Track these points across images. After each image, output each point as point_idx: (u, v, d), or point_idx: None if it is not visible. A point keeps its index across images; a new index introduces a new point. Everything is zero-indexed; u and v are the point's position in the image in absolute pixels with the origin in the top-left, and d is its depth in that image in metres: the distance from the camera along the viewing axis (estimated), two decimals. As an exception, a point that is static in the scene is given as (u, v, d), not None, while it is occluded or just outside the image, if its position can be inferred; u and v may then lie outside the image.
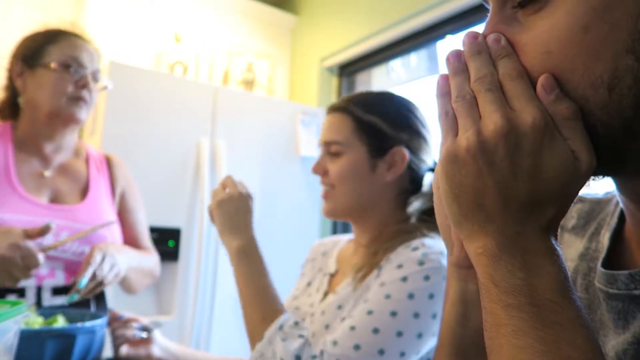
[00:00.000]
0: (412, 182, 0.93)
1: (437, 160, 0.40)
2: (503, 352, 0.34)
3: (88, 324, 0.79)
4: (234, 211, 0.91)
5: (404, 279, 0.76)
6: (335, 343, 0.72)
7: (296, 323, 0.76)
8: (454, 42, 2.12)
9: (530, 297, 0.34)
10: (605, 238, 0.46)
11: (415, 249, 0.81)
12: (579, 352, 0.31)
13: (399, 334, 0.73)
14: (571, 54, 0.35)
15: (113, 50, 2.25)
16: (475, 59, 0.38)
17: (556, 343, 0.32)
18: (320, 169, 0.95)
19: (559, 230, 0.52)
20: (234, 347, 2.02)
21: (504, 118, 0.35)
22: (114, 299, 1.86)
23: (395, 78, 2.51)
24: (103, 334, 0.82)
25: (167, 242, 1.97)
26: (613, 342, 0.41)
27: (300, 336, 0.73)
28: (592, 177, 0.39)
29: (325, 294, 0.94)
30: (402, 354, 0.72)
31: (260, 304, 0.80)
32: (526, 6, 0.37)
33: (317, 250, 1.10)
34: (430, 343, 0.77)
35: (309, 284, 1.01)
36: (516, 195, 0.36)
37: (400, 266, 0.79)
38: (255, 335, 0.78)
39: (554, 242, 0.36)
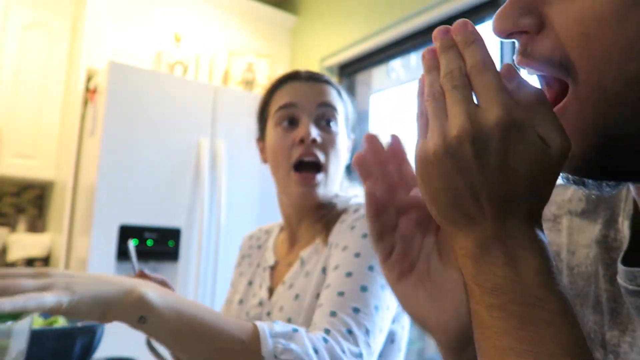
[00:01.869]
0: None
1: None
2: (488, 355, 0.33)
3: (88, 324, 0.78)
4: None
5: (364, 235, 0.78)
6: (333, 314, 0.68)
7: (275, 322, 0.66)
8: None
9: (512, 295, 0.33)
10: (625, 227, 0.45)
11: (356, 210, 0.84)
12: (563, 349, 0.31)
13: (382, 287, 0.74)
14: (607, 41, 0.32)
15: (113, 50, 2.25)
16: (445, 54, 0.37)
17: (540, 342, 0.31)
18: (320, 137, 0.88)
19: (568, 216, 0.51)
20: (234, 347, 2.02)
21: (467, 121, 0.34)
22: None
23: (395, 78, 2.51)
24: (102, 333, 0.82)
25: (167, 242, 1.97)
26: None
27: (294, 330, 0.64)
28: (605, 181, 0.38)
29: (270, 290, 0.90)
30: (383, 287, 0.75)
31: (228, 329, 0.61)
32: None
33: (250, 245, 1.06)
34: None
35: (250, 284, 0.96)
36: (489, 194, 0.35)
37: (353, 227, 0.81)
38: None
39: (537, 232, 0.35)
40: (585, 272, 0.47)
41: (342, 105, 0.92)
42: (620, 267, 0.42)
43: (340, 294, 0.70)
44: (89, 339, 0.78)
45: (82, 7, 2.31)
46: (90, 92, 2.12)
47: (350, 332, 0.66)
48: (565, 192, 0.53)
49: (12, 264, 2.33)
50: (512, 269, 0.33)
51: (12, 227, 2.53)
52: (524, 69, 0.39)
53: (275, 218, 1.09)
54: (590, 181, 0.39)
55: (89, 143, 2.07)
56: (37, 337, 0.70)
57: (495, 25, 0.38)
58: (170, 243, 1.97)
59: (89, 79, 2.22)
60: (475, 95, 0.35)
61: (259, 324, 0.63)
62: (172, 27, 2.43)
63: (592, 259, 0.47)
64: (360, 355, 0.65)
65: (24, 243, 2.36)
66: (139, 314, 0.57)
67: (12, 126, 2.34)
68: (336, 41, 2.52)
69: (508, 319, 0.32)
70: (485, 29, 2.08)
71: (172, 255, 1.97)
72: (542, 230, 0.36)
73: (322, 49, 2.61)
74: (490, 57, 0.36)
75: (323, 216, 0.89)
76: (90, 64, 2.21)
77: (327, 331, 0.66)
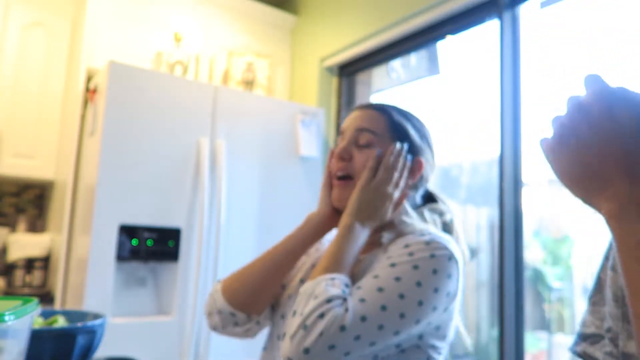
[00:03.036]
0: (417, 190, 0.98)
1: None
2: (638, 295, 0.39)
3: (88, 324, 0.78)
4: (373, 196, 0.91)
5: (411, 254, 0.82)
6: (362, 300, 0.77)
7: (347, 285, 0.80)
8: (453, 42, 2.12)
9: None
10: None
11: (422, 234, 0.86)
12: None
13: (401, 296, 0.78)
14: None
15: (113, 50, 2.25)
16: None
17: None
18: (348, 155, 0.95)
19: None
20: (234, 348, 2.02)
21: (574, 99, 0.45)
22: (114, 299, 1.86)
23: (395, 78, 2.51)
24: (103, 333, 0.82)
25: (167, 242, 1.97)
26: None
27: (343, 291, 0.77)
28: None
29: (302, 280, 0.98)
30: (402, 315, 0.77)
31: (334, 262, 0.84)
32: None
33: (329, 239, 1.09)
34: (429, 315, 0.80)
35: (313, 266, 1.02)
36: (622, 158, 0.42)
37: (407, 245, 0.84)
38: (314, 274, 0.83)
39: None
40: None
41: (391, 127, 0.95)
42: None
43: (362, 300, 0.78)
44: (89, 339, 0.78)
45: (82, 7, 2.31)
46: (90, 92, 2.12)
47: (364, 319, 0.74)
48: None
49: (12, 264, 2.33)
50: None
51: (12, 227, 2.53)
52: None
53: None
54: None
55: (89, 143, 2.07)
56: (37, 337, 0.70)
57: None
58: (170, 243, 1.97)
59: (89, 79, 2.22)
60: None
61: (343, 276, 0.81)
62: (172, 27, 2.43)
63: None
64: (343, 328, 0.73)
65: (24, 243, 2.36)
66: None
67: (12, 126, 2.34)
68: (336, 41, 2.52)
69: None
70: (485, 29, 2.05)
71: (172, 255, 1.97)
72: None
73: (322, 49, 2.61)
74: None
75: (383, 235, 0.93)
76: (90, 64, 2.21)
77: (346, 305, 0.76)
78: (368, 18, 2.33)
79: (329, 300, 0.75)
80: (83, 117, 2.20)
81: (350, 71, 2.55)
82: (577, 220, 3.09)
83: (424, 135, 0.98)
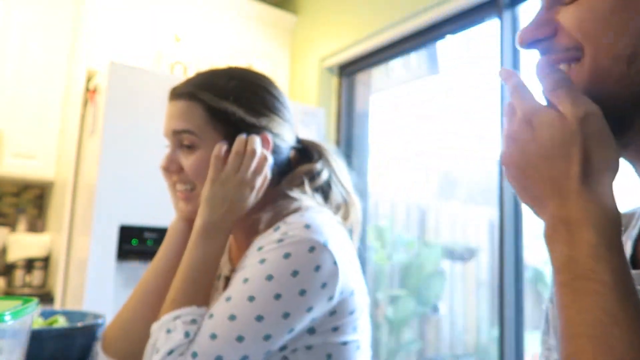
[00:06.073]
0: (277, 164, 0.84)
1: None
2: (560, 325, 0.38)
3: (88, 324, 0.78)
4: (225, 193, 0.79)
5: (262, 261, 0.70)
6: (214, 337, 0.67)
7: (193, 321, 0.70)
8: (453, 42, 2.12)
9: (572, 272, 0.38)
10: (628, 246, 0.49)
11: (277, 228, 0.74)
12: (609, 316, 0.35)
13: (259, 318, 0.67)
14: (599, 29, 0.42)
15: (113, 50, 2.25)
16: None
17: (588, 310, 0.36)
18: (174, 166, 0.84)
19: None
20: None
21: (507, 126, 0.46)
22: (114, 299, 1.86)
23: (395, 78, 2.51)
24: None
25: (167, 242, 1.97)
26: None
27: (187, 334, 0.68)
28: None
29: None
30: (268, 337, 0.67)
31: (182, 289, 0.74)
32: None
33: None
34: (307, 317, 0.70)
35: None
36: (542, 176, 0.42)
37: (260, 248, 0.73)
38: (161, 311, 0.74)
39: (594, 201, 0.39)
40: None
41: (210, 115, 0.82)
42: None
43: (211, 316, 0.69)
44: (89, 339, 0.78)
45: (82, 7, 2.31)
46: (90, 92, 2.12)
47: (219, 358, 0.66)
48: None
49: (12, 264, 2.33)
50: (570, 246, 0.38)
51: (12, 227, 2.53)
52: (548, 63, 0.48)
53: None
54: None
55: (89, 143, 2.07)
56: (37, 337, 0.70)
57: (524, 36, 0.48)
58: (170, 243, 1.97)
59: (89, 79, 2.22)
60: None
61: (189, 309, 0.71)
62: (172, 27, 2.43)
63: None
64: None
65: (24, 243, 2.36)
66: None
67: (13, 126, 2.34)
68: (336, 41, 2.52)
69: (568, 294, 0.37)
70: (485, 29, 2.06)
71: (172, 255, 1.97)
72: (606, 195, 0.40)
73: (322, 49, 2.61)
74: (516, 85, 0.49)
75: (248, 232, 0.83)
76: (90, 64, 2.21)
77: (194, 354, 0.66)
78: (368, 18, 2.33)
79: (169, 353, 0.66)
80: (83, 117, 2.20)
81: (350, 71, 2.55)
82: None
83: (256, 102, 0.83)
